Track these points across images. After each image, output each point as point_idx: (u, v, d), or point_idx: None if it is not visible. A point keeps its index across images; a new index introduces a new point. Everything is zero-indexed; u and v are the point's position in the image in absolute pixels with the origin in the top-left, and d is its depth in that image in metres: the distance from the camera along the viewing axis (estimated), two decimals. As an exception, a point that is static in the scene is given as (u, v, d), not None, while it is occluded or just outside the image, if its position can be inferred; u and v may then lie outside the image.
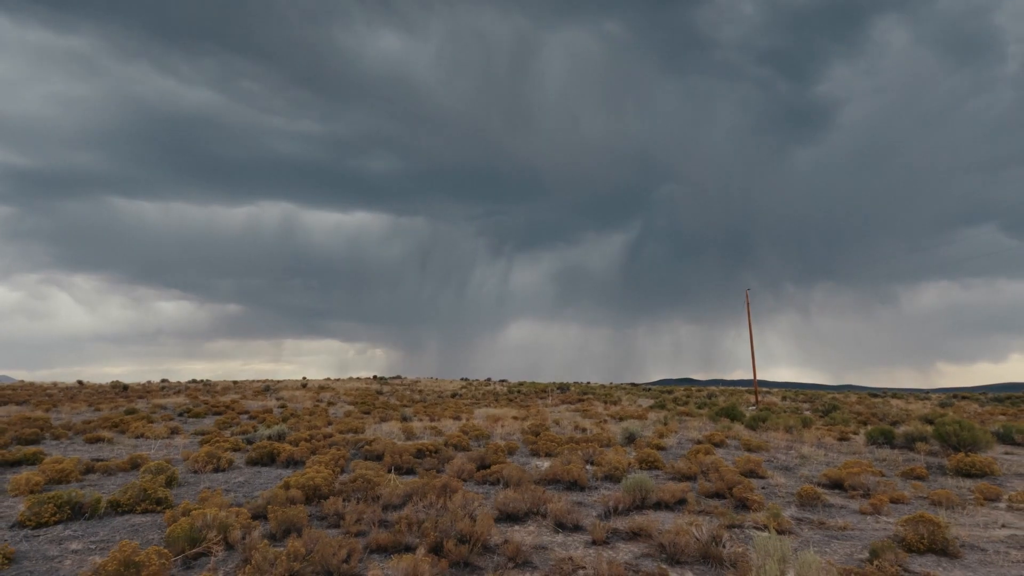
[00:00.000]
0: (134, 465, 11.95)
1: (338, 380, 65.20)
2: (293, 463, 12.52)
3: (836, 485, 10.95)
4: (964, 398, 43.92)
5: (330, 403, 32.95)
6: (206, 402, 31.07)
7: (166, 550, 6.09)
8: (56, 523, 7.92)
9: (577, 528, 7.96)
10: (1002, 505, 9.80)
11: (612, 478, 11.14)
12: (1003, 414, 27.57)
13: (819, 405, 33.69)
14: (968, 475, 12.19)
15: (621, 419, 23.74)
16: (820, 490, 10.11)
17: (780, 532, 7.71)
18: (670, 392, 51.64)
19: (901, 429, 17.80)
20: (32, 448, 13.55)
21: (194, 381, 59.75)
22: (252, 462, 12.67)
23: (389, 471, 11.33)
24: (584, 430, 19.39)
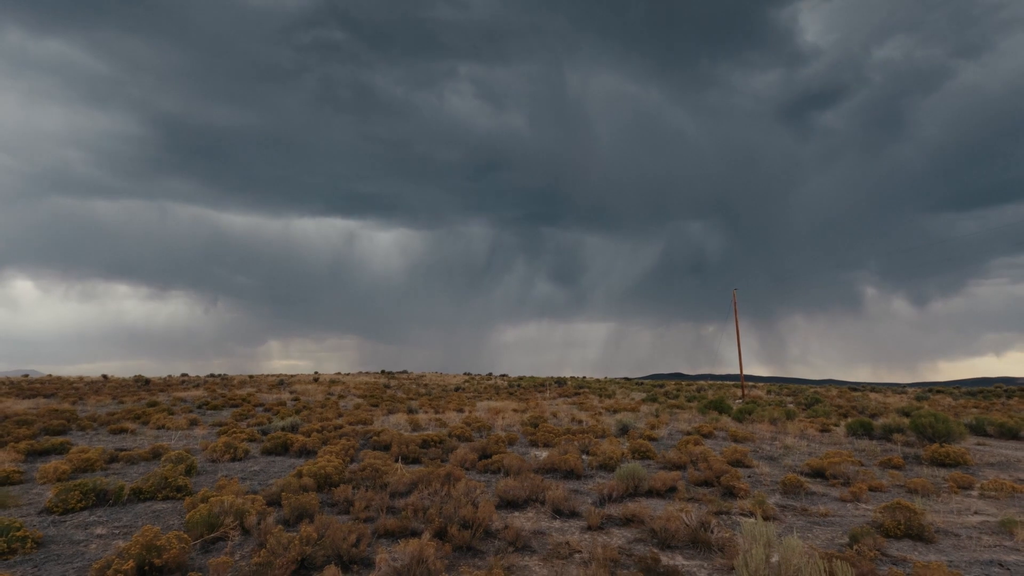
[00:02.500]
0: (155, 455, 11.96)
1: (348, 375, 65.22)
2: (305, 453, 12.53)
3: (818, 474, 10.95)
4: (939, 392, 43.90)
5: (340, 396, 32.97)
6: (223, 395, 31.09)
7: (186, 535, 6.10)
8: (82, 509, 7.93)
9: (574, 514, 7.96)
10: (974, 493, 9.80)
11: (607, 467, 11.15)
12: (975, 407, 27.57)
13: (802, 398, 33.70)
14: (943, 465, 12.19)
15: (615, 412, 23.74)
16: (803, 479, 10.12)
17: (765, 518, 7.71)
18: (661, 386, 51.63)
19: (879, 421, 17.81)
20: (59, 438, 13.57)
21: (212, 375, 59.78)
22: (267, 452, 12.67)
23: (396, 460, 11.34)
24: (580, 422, 19.40)
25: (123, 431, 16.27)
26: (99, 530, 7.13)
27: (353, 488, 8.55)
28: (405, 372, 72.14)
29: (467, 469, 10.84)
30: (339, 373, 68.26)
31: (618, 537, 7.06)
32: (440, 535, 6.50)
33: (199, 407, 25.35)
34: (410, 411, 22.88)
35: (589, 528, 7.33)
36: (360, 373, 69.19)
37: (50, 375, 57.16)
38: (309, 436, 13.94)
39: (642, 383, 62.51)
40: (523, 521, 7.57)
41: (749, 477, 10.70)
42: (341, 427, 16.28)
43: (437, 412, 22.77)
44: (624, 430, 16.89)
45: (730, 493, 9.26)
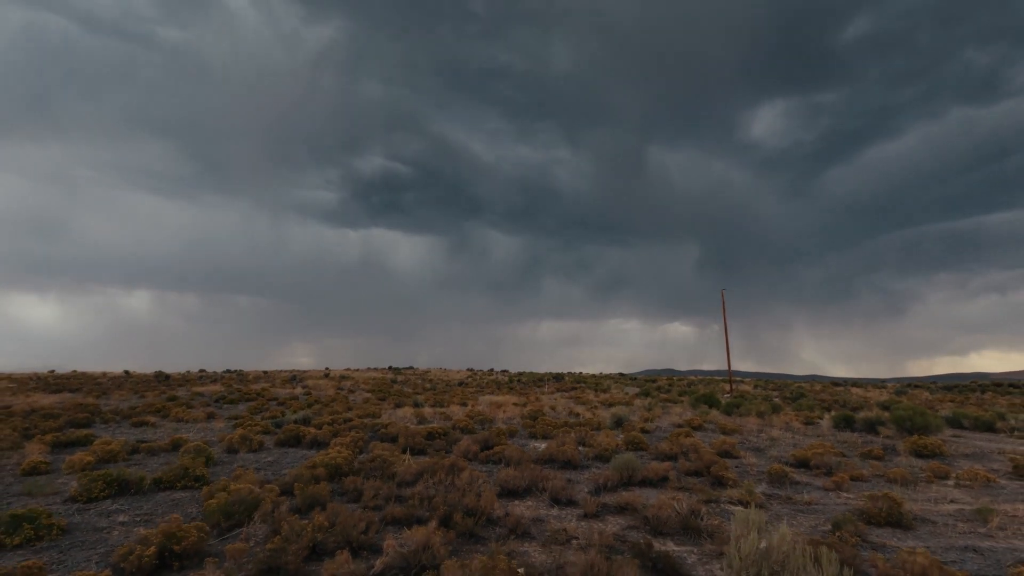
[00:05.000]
0: (175, 446, 11.97)
1: (357, 370, 65.18)
2: (317, 444, 12.52)
3: (802, 464, 10.94)
4: (917, 387, 43.88)
5: (350, 391, 32.96)
6: (239, 390, 31.08)
7: (204, 522, 6.10)
8: (105, 498, 7.94)
9: (571, 503, 7.96)
10: (950, 482, 9.80)
11: (602, 458, 11.14)
12: (951, 401, 27.56)
13: (787, 393, 33.67)
14: (921, 455, 12.19)
15: (610, 405, 23.73)
16: (788, 469, 10.11)
17: (751, 506, 7.70)
18: (654, 381, 51.58)
19: (861, 414, 17.78)
20: (84, 431, 13.58)
21: (228, 371, 59.75)
22: (280, 443, 12.67)
23: (403, 452, 11.34)
24: (577, 415, 19.39)
25: (144, 424, 16.27)
26: (121, 518, 7.13)
27: (362, 478, 8.55)
28: (411, 368, 72.12)
29: (470, 460, 10.83)
30: (348, 369, 68.22)
31: (613, 524, 7.05)
32: (445, 522, 6.49)
33: (216, 401, 25.36)
34: (416, 405, 22.88)
35: (586, 516, 7.33)
36: (368, 369, 69.16)
37: (75, 371, 57.18)
38: (320, 428, 13.93)
39: (635, 378, 62.44)
40: (523, 509, 7.57)
41: (737, 467, 10.70)
42: (351, 420, 16.28)
43: (441, 406, 22.76)
44: (619, 423, 16.88)
45: (719, 482, 9.25)
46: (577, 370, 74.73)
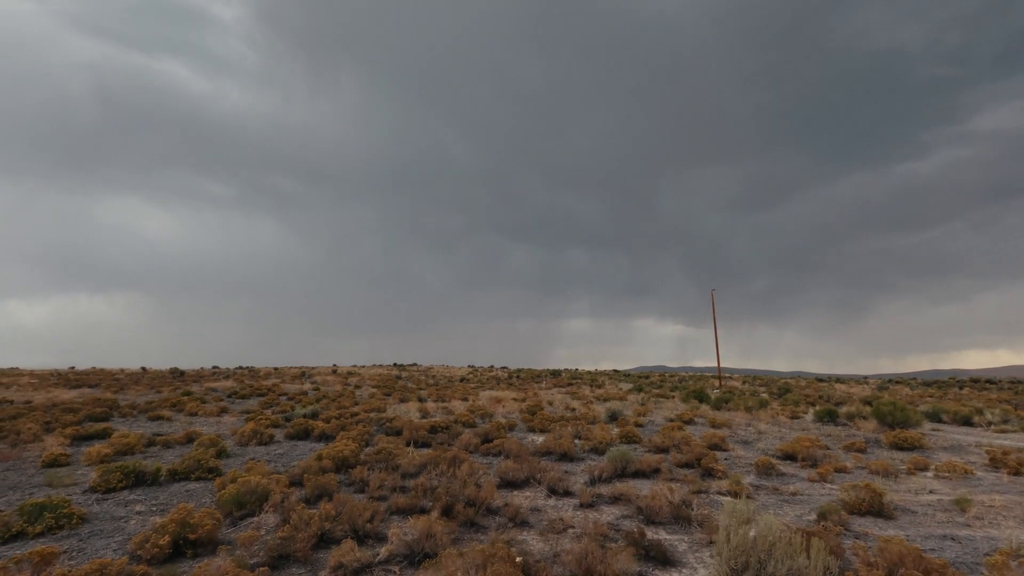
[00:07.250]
0: (189, 439, 11.96)
1: (363, 367, 65.09)
2: (325, 437, 12.52)
3: (788, 457, 10.95)
4: (898, 383, 43.89)
5: (357, 387, 32.92)
6: (251, 385, 31.04)
7: (217, 512, 6.09)
8: (122, 489, 7.93)
9: (567, 493, 7.96)
10: (930, 474, 9.81)
11: (597, 450, 11.14)
12: (930, 396, 27.58)
13: (774, 388, 33.66)
14: (901, 448, 12.20)
15: (605, 400, 23.72)
16: (775, 461, 10.11)
17: (740, 496, 7.70)
18: (647, 377, 51.57)
19: (844, 409, 17.79)
20: (102, 425, 13.57)
21: (240, 367, 59.67)
22: (290, 437, 12.67)
23: (407, 444, 11.34)
24: (573, 410, 19.39)
25: (160, 418, 16.26)
26: (138, 507, 7.13)
27: (368, 469, 8.55)
28: (415, 364, 72.01)
29: (471, 452, 10.84)
30: (355, 365, 68.12)
31: (608, 514, 7.06)
32: (447, 512, 6.50)
33: (229, 396, 25.32)
34: (420, 400, 22.87)
35: (581, 506, 7.33)
36: (374, 366, 69.06)
37: (94, 367, 57.10)
38: (328, 422, 13.93)
39: (629, 374, 62.42)
40: (522, 499, 7.57)
41: (726, 459, 10.70)
42: (357, 414, 16.27)
43: (444, 401, 22.75)
44: (613, 417, 16.88)
45: (709, 474, 9.26)
46: (573, 367, 74.61)
